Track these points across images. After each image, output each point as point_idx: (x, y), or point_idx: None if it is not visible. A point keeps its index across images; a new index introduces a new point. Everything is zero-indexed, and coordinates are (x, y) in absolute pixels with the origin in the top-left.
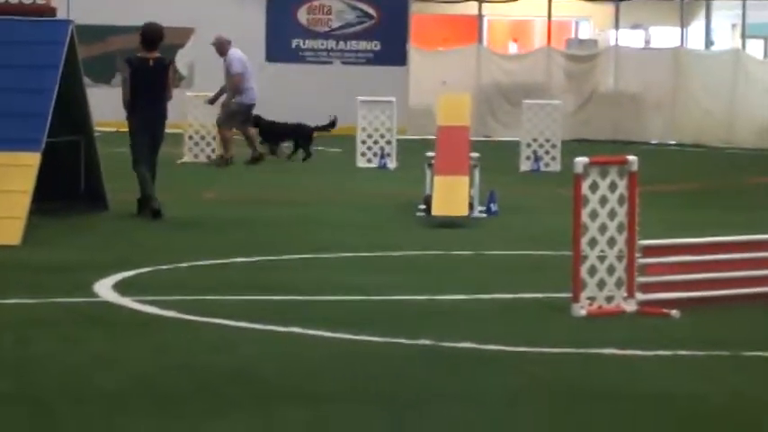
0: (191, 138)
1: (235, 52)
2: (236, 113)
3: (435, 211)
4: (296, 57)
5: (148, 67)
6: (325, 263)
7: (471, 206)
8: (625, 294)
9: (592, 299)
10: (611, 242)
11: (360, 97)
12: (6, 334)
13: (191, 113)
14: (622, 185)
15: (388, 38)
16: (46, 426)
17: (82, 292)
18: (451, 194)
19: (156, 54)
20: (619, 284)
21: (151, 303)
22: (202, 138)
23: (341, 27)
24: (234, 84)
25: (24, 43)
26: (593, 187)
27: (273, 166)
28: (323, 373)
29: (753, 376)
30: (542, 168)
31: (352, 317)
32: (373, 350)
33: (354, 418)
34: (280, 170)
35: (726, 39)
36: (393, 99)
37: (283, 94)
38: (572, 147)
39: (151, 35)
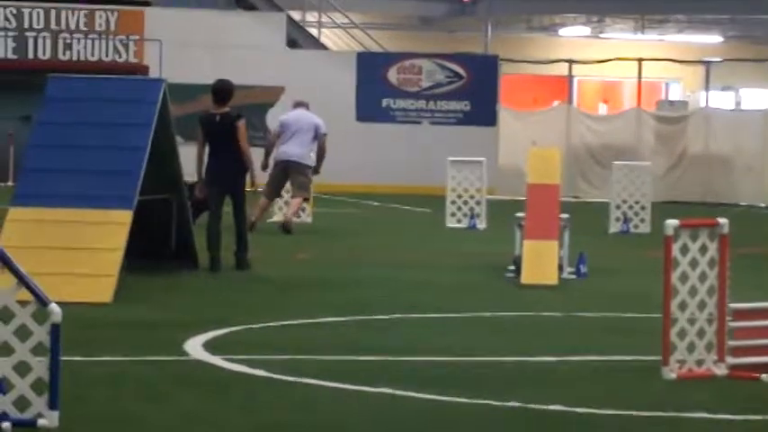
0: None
1: (289, 113)
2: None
3: (525, 279)
4: (386, 116)
5: (215, 122)
6: (415, 323)
7: (561, 268)
8: (715, 358)
9: (682, 362)
10: (702, 305)
11: (450, 157)
12: (97, 391)
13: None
14: (713, 248)
15: (477, 98)
16: None
17: (172, 351)
18: (541, 261)
19: (226, 109)
20: (709, 348)
21: (241, 362)
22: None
23: (431, 87)
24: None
25: (118, 101)
26: (684, 250)
27: (365, 227)
28: None
29: None
30: (632, 230)
31: (440, 377)
32: (461, 411)
33: None
34: (371, 231)
35: None
36: (483, 159)
37: (374, 153)
38: (662, 209)
39: (218, 90)
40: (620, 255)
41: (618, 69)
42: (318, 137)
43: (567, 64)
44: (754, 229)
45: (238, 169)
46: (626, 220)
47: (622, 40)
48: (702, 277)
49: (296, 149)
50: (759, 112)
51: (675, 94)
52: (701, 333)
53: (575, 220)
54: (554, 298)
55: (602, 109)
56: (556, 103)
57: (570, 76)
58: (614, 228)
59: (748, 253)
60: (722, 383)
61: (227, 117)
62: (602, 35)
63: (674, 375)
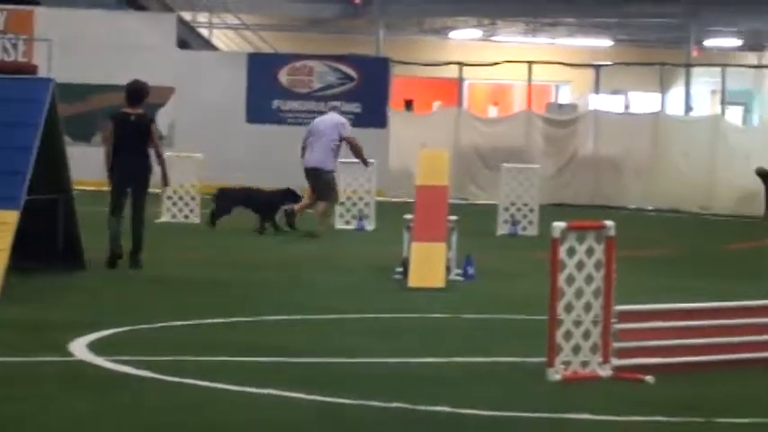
0: (169, 198)
1: (316, 118)
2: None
3: (412, 281)
4: (277, 118)
5: (130, 122)
6: (302, 325)
7: (448, 270)
8: (600, 359)
9: (567, 363)
10: (588, 307)
11: (339, 159)
12: None
13: (169, 173)
14: (599, 250)
15: (368, 100)
16: None
17: (57, 351)
18: (429, 262)
19: (140, 110)
20: (594, 349)
21: (126, 363)
22: (180, 198)
23: (322, 88)
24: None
25: (5, 100)
26: (571, 252)
27: (255, 226)
28: None
29: None
30: (519, 232)
31: (326, 379)
32: (346, 412)
33: None
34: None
35: (705, 105)
36: (372, 161)
37: (264, 155)
38: (550, 211)
39: (133, 91)
40: (508, 257)
41: (508, 72)
42: (342, 136)
43: (457, 66)
44: (642, 231)
45: (147, 170)
46: (514, 223)
47: (513, 43)
48: (589, 279)
49: (314, 155)
50: (648, 116)
51: (565, 97)
52: (586, 335)
53: (463, 222)
54: (441, 300)
55: (493, 111)
56: (437, 104)
57: (461, 79)
58: (502, 230)
59: (635, 256)
60: (607, 385)
61: (143, 118)
62: (492, 38)
63: (558, 377)
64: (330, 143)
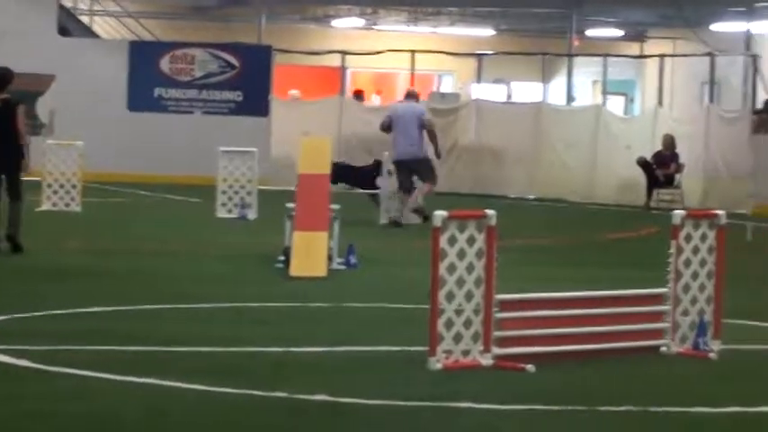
0: (49, 186)
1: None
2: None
3: (294, 270)
4: (158, 106)
5: None
6: (183, 313)
7: (330, 258)
8: (481, 348)
9: (448, 352)
10: (469, 296)
11: (221, 147)
12: None
13: (50, 161)
14: (481, 239)
15: (250, 88)
16: None
17: None
18: (311, 251)
19: (5, 95)
20: (475, 338)
21: (5, 353)
22: (61, 186)
23: (204, 77)
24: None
25: None
26: (452, 241)
27: (135, 216)
28: (175, 425)
29: (608, 430)
30: (403, 221)
31: (207, 368)
32: (227, 401)
33: None
34: (141, 221)
35: (587, 95)
36: (254, 149)
37: (145, 143)
38: (432, 200)
39: None
40: (390, 245)
41: (391, 61)
42: (423, 124)
43: (340, 55)
44: (523, 220)
45: (16, 152)
46: (398, 211)
47: (396, 31)
48: (470, 268)
49: (404, 147)
50: (530, 105)
51: (448, 86)
52: (467, 323)
53: (345, 211)
54: (323, 289)
55: (376, 100)
56: (293, 92)
57: (343, 68)
58: (385, 218)
59: (517, 245)
60: (488, 374)
61: (8, 102)
62: (375, 27)
63: (440, 366)
64: (417, 131)
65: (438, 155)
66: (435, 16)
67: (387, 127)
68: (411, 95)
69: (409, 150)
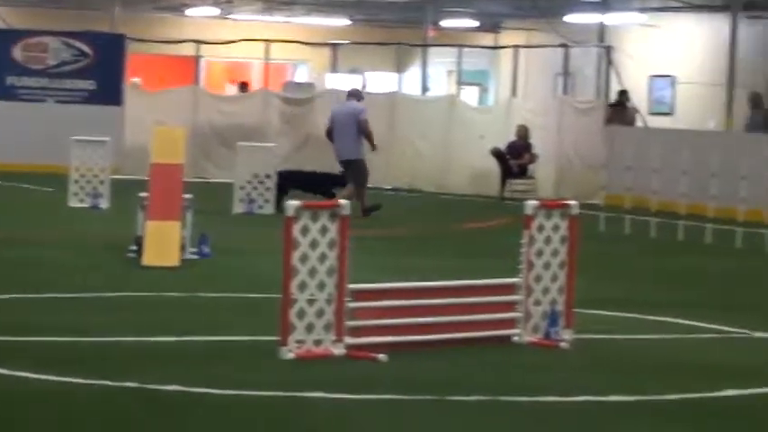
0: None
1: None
2: None
3: (147, 260)
4: (11, 94)
5: None
6: (33, 303)
7: (183, 248)
8: (334, 338)
9: (300, 342)
10: (321, 286)
11: (73, 137)
12: None
13: None
14: (333, 229)
15: (103, 77)
16: None
17: None
18: (163, 241)
19: None
20: (328, 328)
21: None
22: None
23: (57, 65)
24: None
25: None
26: (305, 230)
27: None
28: (24, 415)
29: (457, 420)
30: (256, 211)
31: (58, 358)
32: (79, 391)
33: None
34: None
35: (442, 85)
36: (107, 139)
37: None
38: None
39: None
40: (244, 235)
41: (246, 50)
42: (359, 125)
43: (194, 44)
44: (379, 211)
45: None
46: (250, 201)
47: (250, 21)
48: (322, 258)
49: (342, 147)
50: (384, 95)
51: (303, 76)
52: (320, 313)
53: (199, 201)
54: (176, 278)
55: (230, 90)
56: (135, 80)
57: (198, 57)
58: (239, 208)
59: (370, 235)
60: (340, 363)
61: None
62: (230, 16)
63: (292, 355)
64: (351, 131)
65: (372, 147)
66: (290, 6)
67: (329, 133)
68: (351, 94)
69: (343, 152)
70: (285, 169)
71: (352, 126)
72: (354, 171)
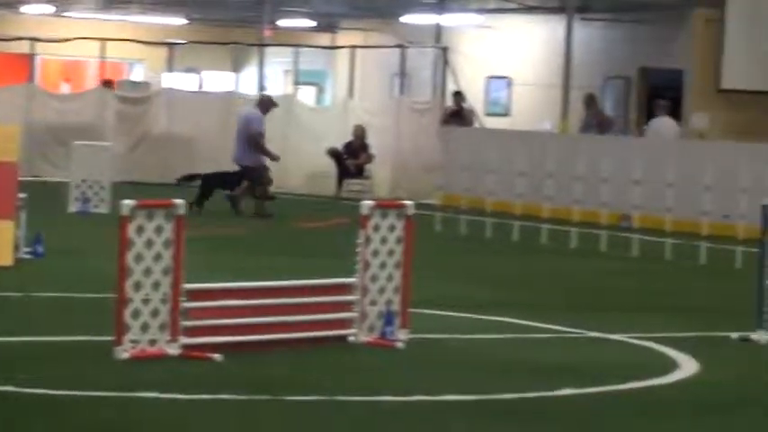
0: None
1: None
2: None
3: None
4: None
5: None
6: None
7: (17, 248)
8: (169, 338)
9: (135, 342)
10: (156, 285)
11: None
12: None
13: None
14: (169, 229)
15: None
16: None
17: None
18: None
19: None
20: (163, 328)
21: None
22: None
23: None
24: None
25: None
26: (140, 230)
27: None
28: None
29: (294, 420)
30: (91, 210)
31: None
32: None
33: None
34: None
35: (279, 85)
36: None
37: None
38: (122, 189)
39: None
40: (79, 234)
41: (81, 49)
42: (248, 134)
43: (29, 42)
44: (215, 209)
45: None
46: (85, 200)
47: (86, 19)
48: (158, 258)
49: (234, 153)
50: (221, 95)
51: (139, 75)
52: (155, 313)
53: (34, 200)
54: (9, 278)
55: (65, 88)
56: None
57: (33, 55)
58: (74, 207)
59: (208, 234)
60: (175, 363)
61: None
62: (65, 14)
63: (127, 355)
64: (242, 138)
65: (273, 158)
66: (126, 4)
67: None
68: (258, 102)
69: (235, 156)
70: (209, 172)
71: (244, 133)
72: (248, 176)
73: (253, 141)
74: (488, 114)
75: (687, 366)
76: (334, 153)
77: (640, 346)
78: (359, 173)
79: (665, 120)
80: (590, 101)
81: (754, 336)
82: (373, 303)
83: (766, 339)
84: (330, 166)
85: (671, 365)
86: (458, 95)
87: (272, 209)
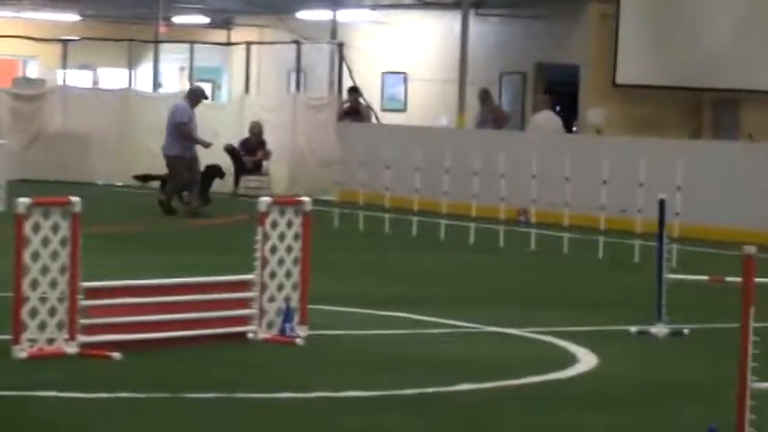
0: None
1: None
2: None
3: None
4: None
5: None
6: None
7: None
8: (66, 336)
9: (33, 341)
10: (54, 284)
11: None
12: None
13: None
14: (66, 226)
15: None
16: None
17: None
18: None
19: None
20: (60, 326)
21: None
22: None
23: None
24: None
25: None
26: (36, 228)
27: None
28: None
29: (194, 418)
30: None
31: None
32: None
33: None
34: None
35: (174, 81)
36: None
37: None
38: (17, 187)
39: None
40: None
41: None
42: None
43: None
44: (110, 207)
45: None
46: None
47: None
48: (54, 256)
49: (164, 143)
50: (116, 92)
51: (33, 71)
52: (52, 311)
53: None
54: None
55: None
56: None
57: None
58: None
59: (104, 232)
60: (73, 362)
61: None
62: None
63: (24, 354)
64: (170, 129)
65: (203, 145)
66: (18, 1)
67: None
68: (186, 95)
69: (163, 147)
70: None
71: (170, 125)
72: (170, 167)
73: (177, 132)
74: (385, 110)
75: (586, 360)
76: (230, 150)
77: (539, 340)
78: (256, 169)
79: (547, 113)
80: (485, 96)
81: (653, 329)
82: (272, 300)
83: (665, 333)
84: (227, 163)
85: (570, 360)
86: (353, 91)
87: (178, 206)
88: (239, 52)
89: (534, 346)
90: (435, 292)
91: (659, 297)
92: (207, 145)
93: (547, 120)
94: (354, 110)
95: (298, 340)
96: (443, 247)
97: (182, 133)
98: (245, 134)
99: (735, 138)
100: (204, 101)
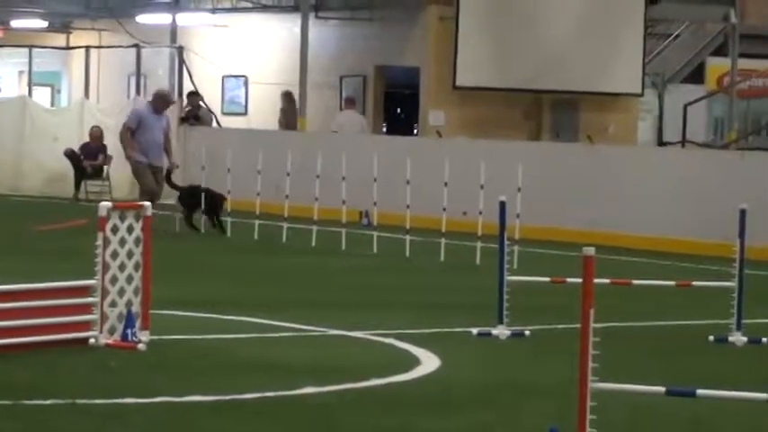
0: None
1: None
2: None
3: None
4: None
5: None
6: None
7: None
8: None
9: None
10: None
11: None
12: None
13: None
14: None
15: None
16: None
17: None
18: None
19: None
20: None
21: None
22: None
23: None
24: None
25: None
26: None
27: None
28: None
29: (34, 425)
30: None
31: None
32: None
33: None
34: None
35: (13, 86)
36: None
37: None
38: None
39: None
40: None
41: None
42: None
43: None
44: None
45: None
46: None
47: None
48: None
49: None
50: None
51: None
52: None
53: None
54: None
55: None
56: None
57: None
58: None
59: None
60: None
61: None
62: None
63: None
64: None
65: (125, 154)
66: None
67: None
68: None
69: None
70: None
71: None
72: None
73: (120, 136)
74: (225, 113)
75: (428, 363)
76: (70, 154)
77: (382, 342)
78: (97, 174)
79: (350, 113)
80: (289, 96)
81: (495, 331)
82: (113, 305)
83: (506, 335)
84: (67, 168)
85: (412, 362)
86: (194, 95)
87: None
88: (79, 56)
89: (377, 348)
90: (278, 296)
91: (501, 299)
92: (129, 156)
93: (349, 119)
94: (195, 114)
95: (140, 345)
96: (286, 251)
97: (120, 137)
98: (86, 139)
99: (574, 139)
100: (171, 104)
